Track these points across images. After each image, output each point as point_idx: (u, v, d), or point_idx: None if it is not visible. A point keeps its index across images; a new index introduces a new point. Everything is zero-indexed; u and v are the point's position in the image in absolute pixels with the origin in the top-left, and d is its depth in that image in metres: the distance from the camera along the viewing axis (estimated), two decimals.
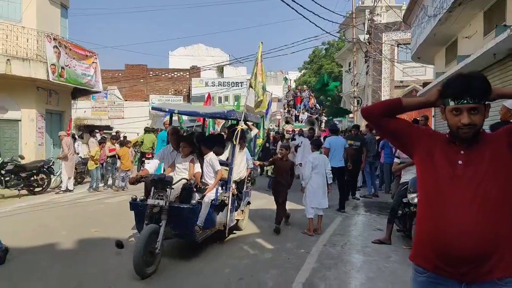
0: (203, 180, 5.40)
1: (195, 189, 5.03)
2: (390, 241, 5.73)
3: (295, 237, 6.20)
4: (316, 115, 17.82)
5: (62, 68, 12.22)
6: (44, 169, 10.17)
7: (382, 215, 7.83)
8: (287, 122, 17.05)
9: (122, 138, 13.35)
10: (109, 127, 22.76)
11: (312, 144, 7.11)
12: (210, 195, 5.20)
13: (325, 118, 20.86)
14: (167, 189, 4.59)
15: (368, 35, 19.57)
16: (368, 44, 19.39)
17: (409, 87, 20.69)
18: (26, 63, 11.52)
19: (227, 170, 5.62)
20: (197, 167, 5.35)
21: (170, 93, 27.79)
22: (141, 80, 27.12)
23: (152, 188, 4.61)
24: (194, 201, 4.92)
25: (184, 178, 4.92)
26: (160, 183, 4.62)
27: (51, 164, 10.50)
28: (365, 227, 7.02)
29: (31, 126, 12.30)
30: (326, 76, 17.33)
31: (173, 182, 4.71)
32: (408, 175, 5.71)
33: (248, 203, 6.69)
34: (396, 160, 6.16)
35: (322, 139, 10.52)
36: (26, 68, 11.41)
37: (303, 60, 53.24)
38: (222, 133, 7.54)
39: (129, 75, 27.00)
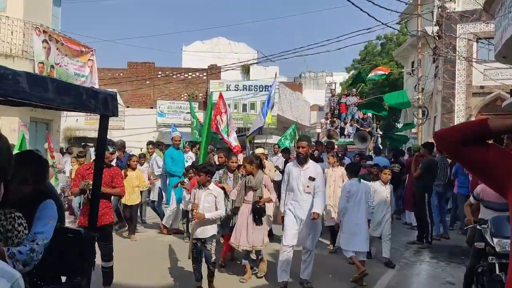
0: None
1: None
2: None
3: None
4: (369, 128, 17.25)
5: (52, 67, 12.75)
6: None
7: (454, 263, 7.66)
8: (329, 137, 16.64)
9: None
10: None
11: (348, 170, 7.36)
12: None
13: (380, 132, 20.56)
14: None
15: (437, 27, 19.36)
16: (437, 38, 19.16)
17: (491, 94, 20.25)
18: (9, 61, 12.09)
19: None
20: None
21: (182, 99, 28.24)
22: (147, 82, 27.77)
23: None
24: None
25: None
26: None
27: None
28: (431, 280, 6.87)
29: (12, 138, 12.80)
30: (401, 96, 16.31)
31: None
32: (486, 213, 5.46)
33: None
34: (471, 200, 5.73)
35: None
36: (8, 66, 11.94)
37: (353, 57, 53.19)
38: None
39: (133, 75, 27.72)
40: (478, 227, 5.18)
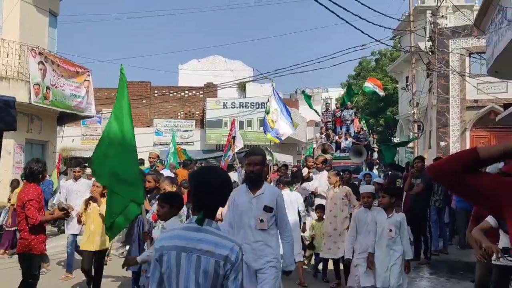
0: None
1: None
2: None
3: None
4: (365, 142, 16.83)
5: (48, 88, 12.73)
6: None
7: (454, 278, 7.58)
8: (324, 151, 16.10)
9: None
10: None
11: (281, 181, 7.65)
12: None
13: (377, 147, 20.45)
14: None
15: (430, 43, 19.50)
16: (430, 53, 19.28)
17: (485, 108, 20.33)
18: (5, 83, 12.06)
19: None
20: None
21: (179, 117, 28.26)
22: (144, 101, 27.80)
23: None
24: None
25: None
26: None
27: None
28: None
29: (8, 160, 12.69)
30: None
31: None
32: (506, 240, 4.45)
33: None
34: (491, 222, 4.40)
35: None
36: (4, 88, 11.94)
37: (348, 73, 53.60)
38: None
39: (129, 95, 27.70)
40: (508, 259, 4.00)
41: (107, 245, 6.74)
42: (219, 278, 2.30)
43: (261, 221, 4.20)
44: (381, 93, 20.76)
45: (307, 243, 8.05)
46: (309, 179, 8.76)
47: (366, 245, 5.76)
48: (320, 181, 8.46)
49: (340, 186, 7.62)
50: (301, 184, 8.90)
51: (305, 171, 9.12)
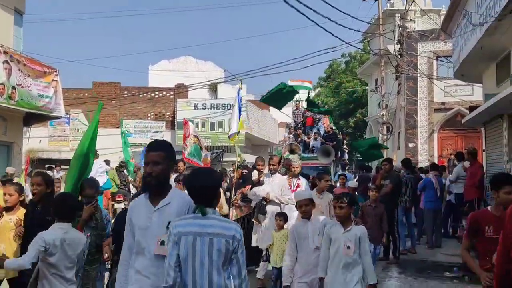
0: None
1: None
2: None
3: None
4: (334, 142, 15.75)
5: (13, 88, 12.43)
6: None
7: (421, 277, 7.73)
8: (291, 151, 15.44)
9: None
10: (70, 161, 22.79)
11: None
12: None
13: (347, 148, 20.51)
14: None
15: (399, 46, 19.87)
16: (399, 56, 19.64)
17: (452, 110, 20.80)
18: None
19: None
20: None
21: (149, 118, 27.99)
22: (113, 102, 27.39)
23: None
24: None
25: None
26: None
27: None
28: None
29: None
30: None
31: None
32: None
33: None
34: None
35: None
36: None
37: (318, 75, 54.08)
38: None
39: (98, 95, 27.30)
40: None
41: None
42: (229, 253, 2.92)
43: (162, 243, 2.98)
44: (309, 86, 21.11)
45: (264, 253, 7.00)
46: (259, 183, 7.57)
47: (310, 265, 4.75)
48: (273, 185, 7.34)
49: (325, 191, 6.82)
50: (251, 188, 7.73)
51: (255, 174, 7.98)
